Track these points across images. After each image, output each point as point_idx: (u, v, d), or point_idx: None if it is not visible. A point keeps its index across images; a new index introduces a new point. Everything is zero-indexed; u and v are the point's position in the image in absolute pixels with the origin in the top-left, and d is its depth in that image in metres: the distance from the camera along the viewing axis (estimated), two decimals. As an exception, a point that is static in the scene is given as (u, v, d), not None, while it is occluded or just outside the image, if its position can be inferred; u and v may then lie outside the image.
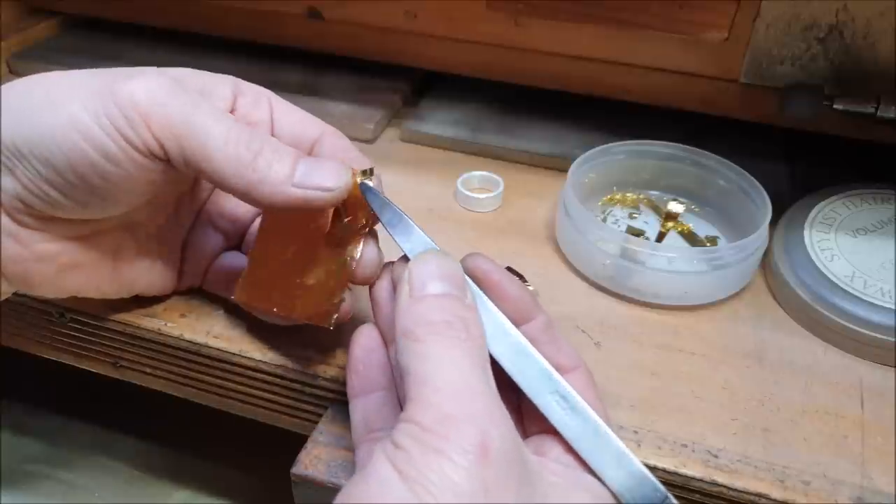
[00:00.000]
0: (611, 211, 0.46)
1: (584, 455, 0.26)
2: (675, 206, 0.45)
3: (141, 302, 0.37)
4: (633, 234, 0.42)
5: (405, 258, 0.30)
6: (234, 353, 0.36)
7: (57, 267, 0.31)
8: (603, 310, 0.40)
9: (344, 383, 0.32)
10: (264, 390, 0.37)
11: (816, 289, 0.38)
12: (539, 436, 0.28)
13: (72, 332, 0.40)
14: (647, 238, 0.43)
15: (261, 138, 0.29)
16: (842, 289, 0.37)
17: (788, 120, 0.47)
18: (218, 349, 0.36)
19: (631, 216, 0.46)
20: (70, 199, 0.28)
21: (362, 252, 0.31)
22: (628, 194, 0.47)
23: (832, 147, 0.50)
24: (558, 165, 0.50)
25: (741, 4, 0.43)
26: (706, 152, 0.45)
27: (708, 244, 0.43)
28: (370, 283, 0.31)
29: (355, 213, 0.31)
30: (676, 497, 0.32)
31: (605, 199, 0.47)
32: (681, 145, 0.46)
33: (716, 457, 0.32)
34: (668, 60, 0.48)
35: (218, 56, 0.60)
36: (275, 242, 0.33)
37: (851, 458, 0.32)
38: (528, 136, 0.53)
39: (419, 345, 0.24)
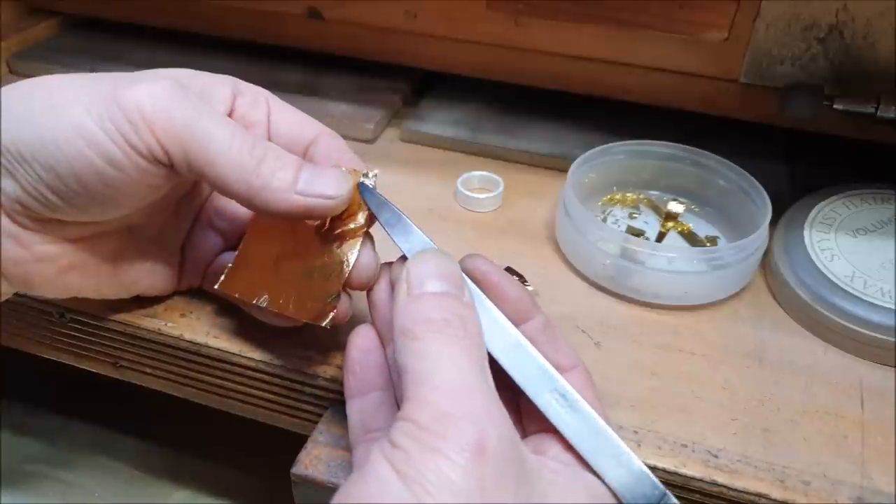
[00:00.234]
0: (611, 211, 0.46)
1: (583, 453, 0.26)
2: (675, 206, 0.45)
3: (141, 302, 0.37)
4: (633, 234, 0.42)
5: (403, 258, 0.30)
6: (234, 353, 0.36)
7: (57, 268, 0.31)
8: (603, 310, 0.40)
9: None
10: (264, 390, 0.37)
11: (816, 289, 0.38)
12: (538, 434, 0.28)
13: (72, 332, 0.40)
14: (647, 238, 0.43)
15: (264, 145, 0.29)
16: (842, 289, 0.37)
17: (788, 120, 0.47)
18: (218, 349, 0.36)
19: (631, 216, 0.46)
20: (71, 203, 0.28)
21: (358, 256, 0.30)
22: (628, 194, 0.47)
23: (832, 147, 0.50)
24: (558, 165, 0.50)
25: (741, 4, 0.43)
26: (706, 152, 0.45)
27: (708, 244, 0.43)
28: (367, 288, 0.31)
29: (352, 211, 0.31)
30: (676, 497, 0.32)
31: (605, 199, 0.47)
32: (681, 145, 0.46)
33: (716, 457, 0.32)
34: (668, 60, 0.48)
35: (218, 56, 0.60)
36: (267, 238, 0.33)
37: (851, 458, 0.32)
38: (528, 136, 0.53)
39: (417, 343, 0.24)
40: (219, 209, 0.37)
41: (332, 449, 0.34)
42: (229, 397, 0.39)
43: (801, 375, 0.36)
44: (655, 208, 0.46)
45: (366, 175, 0.31)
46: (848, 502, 0.30)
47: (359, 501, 0.22)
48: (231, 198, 0.29)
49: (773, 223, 0.41)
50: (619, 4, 0.45)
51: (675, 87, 0.49)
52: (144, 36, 0.62)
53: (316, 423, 0.36)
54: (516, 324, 0.28)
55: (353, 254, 0.30)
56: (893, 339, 0.36)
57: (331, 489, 0.32)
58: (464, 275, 0.28)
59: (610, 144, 0.45)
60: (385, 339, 0.31)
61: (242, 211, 0.37)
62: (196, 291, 0.39)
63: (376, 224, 0.31)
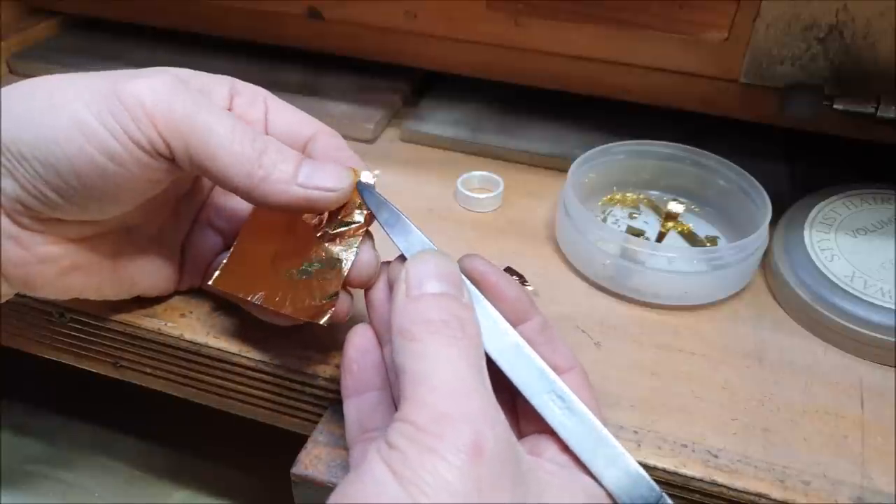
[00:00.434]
0: (611, 211, 0.46)
1: (579, 454, 0.26)
2: (675, 206, 0.45)
3: (141, 302, 0.37)
4: (633, 234, 0.42)
5: (401, 258, 0.30)
6: (234, 353, 0.36)
7: (58, 269, 0.31)
8: (603, 310, 0.40)
9: (344, 383, 0.32)
10: (264, 390, 0.37)
11: (816, 289, 0.38)
12: (534, 435, 0.28)
13: (72, 332, 0.40)
14: (647, 238, 0.43)
15: (265, 138, 0.29)
16: (842, 289, 0.37)
17: (788, 120, 0.47)
18: (218, 349, 0.36)
19: (631, 216, 0.46)
20: (71, 201, 0.28)
21: (359, 254, 0.30)
22: (628, 194, 0.47)
23: (832, 147, 0.50)
24: (558, 165, 0.50)
25: (741, 4, 0.43)
26: (706, 152, 0.45)
27: (708, 244, 0.43)
28: (366, 287, 0.31)
29: (350, 210, 0.31)
30: (677, 497, 0.32)
31: (605, 199, 0.47)
32: (681, 145, 0.46)
33: (716, 457, 0.32)
34: (668, 60, 0.48)
35: (218, 56, 0.60)
36: (264, 235, 0.33)
37: (851, 458, 0.32)
38: (528, 136, 0.53)
39: (415, 344, 0.24)
40: (218, 208, 0.37)
41: (332, 449, 0.34)
42: (229, 397, 0.39)
43: (801, 375, 0.36)
44: (655, 208, 0.46)
45: (374, 174, 0.31)
46: (848, 502, 0.30)
47: (354, 502, 0.22)
48: (231, 190, 0.29)
49: (773, 223, 0.41)
50: (619, 4, 0.45)
51: (675, 87, 0.49)
52: (144, 36, 0.62)
53: (316, 423, 0.36)
54: (514, 324, 0.28)
55: (351, 252, 0.30)
56: (893, 339, 0.36)
57: (331, 489, 0.32)
58: (462, 275, 0.28)
59: (610, 144, 0.45)
60: (383, 338, 0.31)
61: (242, 210, 0.37)
62: (196, 291, 0.39)
63: (376, 223, 0.31)
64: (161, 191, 0.32)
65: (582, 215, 0.40)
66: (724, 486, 0.31)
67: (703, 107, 0.49)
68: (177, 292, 0.38)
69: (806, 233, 0.41)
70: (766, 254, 0.41)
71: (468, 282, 0.28)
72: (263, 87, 0.34)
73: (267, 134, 0.33)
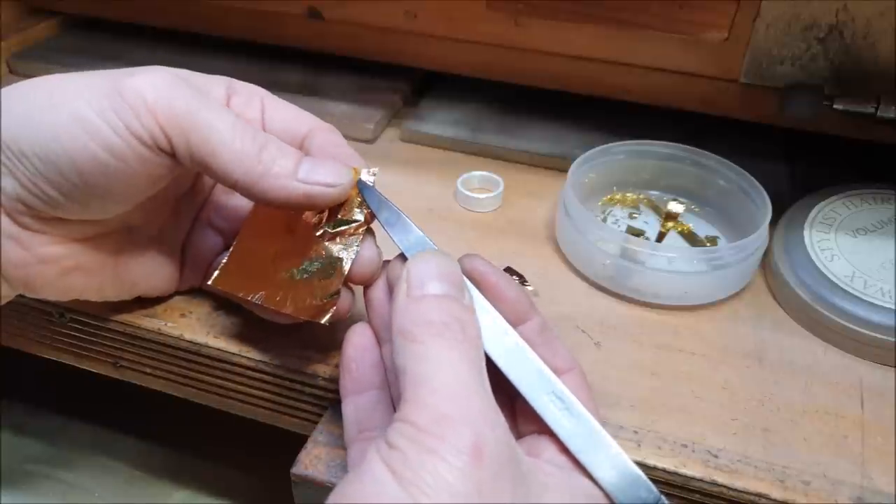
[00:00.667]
0: (611, 211, 0.46)
1: (578, 457, 0.26)
2: (675, 206, 0.45)
3: (141, 302, 0.37)
4: (633, 234, 0.42)
5: (401, 257, 0.30)
6: (234, 353, 0.36)
7: (59, 269, 0.31)
8: (603, 310, 0.40)
9: (344, 383, 0.32)
10: (264, 390, 0.37)
11: (816, 289, 0.38)
12: (533, 436, 0.28)
13: (72, 332, 0.40)
14: (647, 238, 0.43)
15: (264, 135, 0.29)
16: (842, 289, 0.37)
17: (788, 120, 0.47)
18: (218, 349, 0.36)
19: (631, 216, 0.46)
20: (71, 198, 0.28)
21: (361, 251, 0.30)
22: (628, 194, 0.47)
23: (832, 147, 0.50)
24: (558, 165, 0.50)
25: (741, 4, 0.43)
26: (706, 152, 0.45)
27: (708, 244, 0.43)
28: (368, 284, 0.31)
29: (350, 208, 0.31)
30: (677, 497, 0.32)
31: (605, 199, 0.47)
32: (681, 145, 0.46)
33: (716, 457, 0.32)
34: (668, 60, 0.48)
35: (218, 56, 0.60)
36: (264, 235, 0.33)
37: (851, 458, 0.32)
38: (528, 136, 0.53)
39: (417, 345, 0.24)
40: (219, 208, 0.37)
41: (332, 449, 0.34)
42: (229, 397, 0.39)
43: (801, 375, 0.36)
44: (655, 208, 0.46)
45: (371, 173, 0.31)
46: (848, 502, 0.30)
47: (354, 502, 0.22)
48: (231, 186, 0.29)
49: (773, 223, 0.41)
50: (619, 4, 0.45)
51: (675, 87, 0.49)
52: (144, 36, 0.62)
53: (316, 423, 0.36)
54: (513, 325, 0.28)
55: (352, 251, 0.30)
56: (893, 339, 0.36)
57: (331, 489, 0.32)
58: (463, 276, 0.28)
59: (610, 144, 0.45)
60: (382, 337, 0.31)
61: (243, 210, 0.37)
62: (196, 291, 0.39)
63: (377, 222, 0.31)
64: (161, 190, 0.32)
65: (582, 215, 0.40)
66: (724, 486, 0.31)
67: (703, 107, 0.49)
68: (177, 292, 0.38)
69: (806, 233, 0.41)
70: (766, 254, 0.41)
71: (468, 282, 0.28)
72: (263, 87, 0.34)
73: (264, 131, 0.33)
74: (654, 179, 0.47)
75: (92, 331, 0.39)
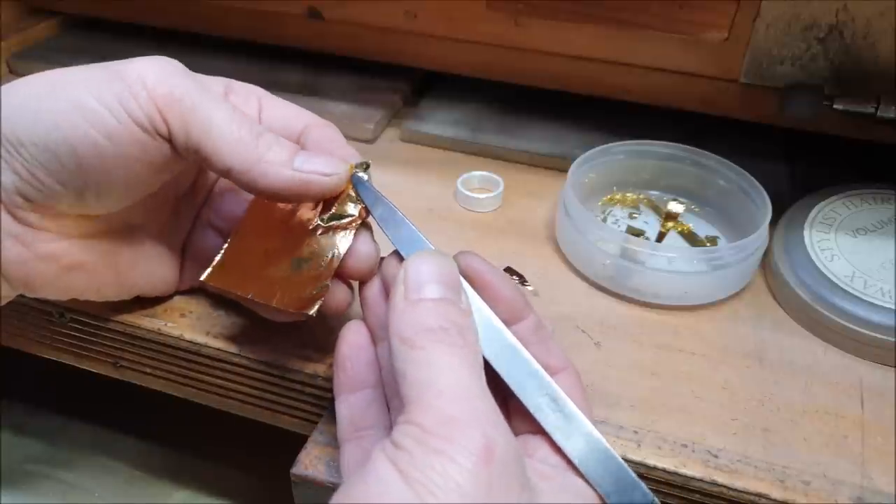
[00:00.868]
0: (611, 211, 0.46)
1: (572, 458, 0.26)
2: (675, 206, 0.45)
3: (141, 302, 0.37)
4: (633, 234, 0.42)
5: (396, 254, 0.30)
6: (234, 353, 0.36)
7: (58, 267, 0.31)
8: (603, 310, 0.40)
9: (344, 383, 0.32)
10: (264, 390, 0.37)
11: (816, 289, 0.38)
12: (526, 436, 0.28)
13: (72, 332, 0.40)
14: (647, 238, 0.43)
15: (261, 126, 0.29)
16: (842, 289, 0.37)
17: (788, 120, 0.47)
18: (218, 349, 0.36)
19: (631, 216, 0.46)
20: (67, 186, 0.28)
21: (357, 246, 0.30)
22: (628, 194, 0.47)
23: (832, 147, 0.50)
24: (558, 165, 0.50)
25: (741, 4, 0.43)
26: (706, 152, 0.45)
27: (708, 244, 0.43)
28: (365, 279, 0.31)
29: (343, 203, 0.31)
30: (676, 497, 0.32)
31: (605, 199, 0.47)
32: (681, 145, 0.46)
33: (716, 457, 0.32)
34: (668, 60, 0.48)
35: (218, 56, 0.60)
36: (259, 232, 0.33)
37: (851, 458, 0.32)
38: (528, 136, 0.53)
39: (417, 352, 0.24)
40: (218, 209, 0.37)
41: (332, 449, 0.34)
42: (229, 397, 0.39)
43: (801, 375, 0.36)
44: (655, 208, 0.46)
45: (361, 166, 0.31)
46: (848, 502, 0.30)
47: (359, 502, 0.22)
48: (225, 173, 0.29)
49: (773, 223, 0.41)
50: (619, 4, 0.45)
51: (675, 87, 0.49)
52: (144, 36, 0.62)
53: (316, 423, 0.35)
54: (509, 324, 0.28)
55: (344, 244, 0.30)
56: (893, 339, 0.36)
57: (331, 489, 0.32)
58: (460, 277, 0.28)
59: (610, 144, 0.45)
60: (377, 336, 0.31)
61: (242, 210, 0.37)
62: (196, 291, 0.39)
63: (372, 219, 0.31)
64: (161, 189, 0.32)
65: (582, 215, 0.40)
66: (724, 486, 0.31)
67: (703, 107, 0.49)
68: (177, 292, 0.38)
69: (806, 233, 0.41)
70: (766, 254, 0.41)
71: (464, 282, 0.28)
72: (263, 87, 0.34)
73: None
74: (654, 179, 0.47)
75: (92, 331, 0.39)
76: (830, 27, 0.42)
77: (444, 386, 0.23)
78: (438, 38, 0.52)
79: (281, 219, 0.32)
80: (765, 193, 0.41)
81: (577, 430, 0.27)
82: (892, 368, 0.37)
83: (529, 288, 0.40)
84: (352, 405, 0.30)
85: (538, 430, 0.27)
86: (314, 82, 0.57)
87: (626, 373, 0.36)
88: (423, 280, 0.26)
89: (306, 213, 0.32)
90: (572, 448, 0.26)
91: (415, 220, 0.30)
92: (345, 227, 0.31)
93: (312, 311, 0.30)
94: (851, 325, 0.37)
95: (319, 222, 0.31)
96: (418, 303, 0.25)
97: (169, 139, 0.28)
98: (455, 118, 0.55)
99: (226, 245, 0.33)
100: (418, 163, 0.51)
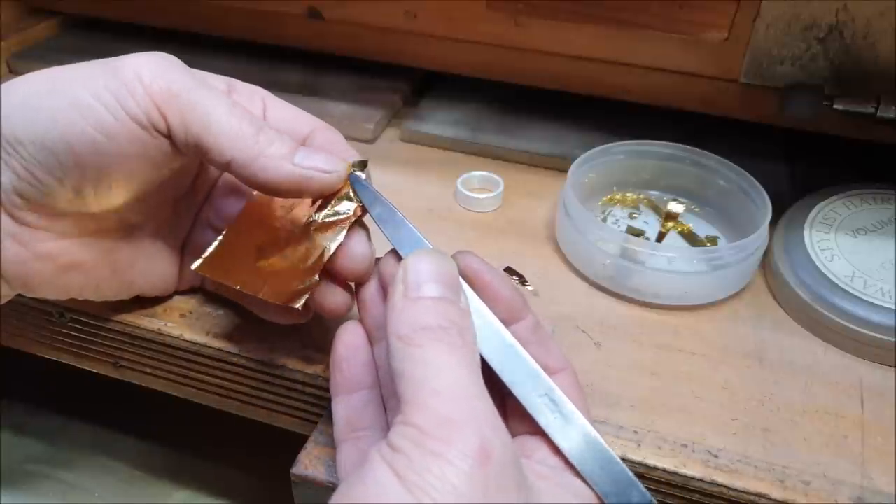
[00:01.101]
0: (611, 211, 0.46)
1: (571, 458, 0.26)
2: (675, 206, 0.45)
3: (141, 302, 0.37)
4: (633, 234, 0.42)
5: (394, 254, 0.30)
6: (234, 354, 0.36)
7: (57, 267, 0.31)
8: (603, 310, 0.40)
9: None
10: (264, 390, 0.37)
11: (816, 289, 0.38)
12: (523, 437, 0.28)
13: (72, 332, 0.40)
14: (647, 238, 0.43)
15: (261, 119, 0.29)
16: (842, 289, 0.37)
17: (788, 120, 0.47)
18: (218, 349, 0.36)
19: (631, 216, 0.46)
20: (64, 183, 0.28)
21: (353, 246, 0.30)
22: (628, 194, 0.47)
23: (832, 147, 0.50)
24: (558, 165, 0.50)
25: (741, 4, 0.43)
26: (706, 152, 0.45)
27: (708, 244, 0.43)
28: (360, 280, 0.31)
29: (339, 200, 0.31)
30: (676, 497, 0.32)
31: (605, 199, 0.47)
32: (681, 145, 0.46)
33: (716, 457, 0.32)
34: (668, 60, 0.48)
35: (218, 56, 0.60)
36: (255, 227, 0.33)
37: (851, 458, 0.32)
38: (528, 136, 0.53)
39: (415, 350, 0.24)
40: (218, 209, 0.37)
41: (332, 449, 0.34)
42: (229, 397, 0.39)
43: (801, 375, 0.36)
44: (655, 208, 0.46)
45: (358, 165, 0.31)
46: (848, 502, 0.30)
47: (357, 503, 0.22)
48: (225, 166, 0.29)
49: (773, 223, 0.41)
50: (619, 4, 0.45)
51: (675, 87, 0.49)
52: (144, 36, 0.62)
53: (316, 423, 0.35)
54: (507, 324, 0.28)
55: (336, 240, 0.30)
56: (893, 339, 0.36)
57: (331, 489, 0.32)
58: (459, 276, 0.28)
59: (610, 144, 0.45)
60: (374, 336, 0.31)
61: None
62: (196, 291, 0.39)
63: (369, 218, 0.31)
64: (160, 188, 0.32)
65: (582, 215, 0.40)
66: (724, 486, 0.31)
67: (703, 107, 0.49)
68: (177, 292, 0.38)
69: (806, 233, 0.41)
70: (766, 254, 0.41)
71: (463, 281, 0.28)
72: (263, 87, 0.34)
73: None
74: (654, 179, 0.47)
75: (92, 331, 0.39)
76: (830, 27, 0.42)
77: (442, 386, 0.23)
78: (438, 38, 0.52)
79: (277, 214, 0.32)
80: (765, 193, 0.41)
81: (575, 430, 0.27)
82: (892, 368, 0.37)
83: (529, 288, 0.40)
84: (348, 406, 0.30)
85: (536, 430, 0.27)
86: (314, 82, 0.57)
87: (626, 373, 0.36)
88: (422, 279, 0.26)
89: (302, 209, 0.32)
90: (571, 448, 0.26)
91: (415, 220, 0.30)
92: (338, 224, 0.31)
93: (298, 305, 0.30)
94: (851, 325, 0.37)
95: (314, 218, 0.31)
96: (417, 301, 0.25)
97: (168, 135, 0.28)
98: (455, 118, 0.55)
99: (220, 237, 0.33)
100: (418, 163, 0.51)
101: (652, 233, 0.44)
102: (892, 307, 0.36)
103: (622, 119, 0.53)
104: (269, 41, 0.58)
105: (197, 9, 0.57)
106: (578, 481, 0.26)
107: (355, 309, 0.32)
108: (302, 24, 0.55)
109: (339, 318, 0.32)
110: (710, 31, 0.45)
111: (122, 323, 0.38)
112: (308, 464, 0.33)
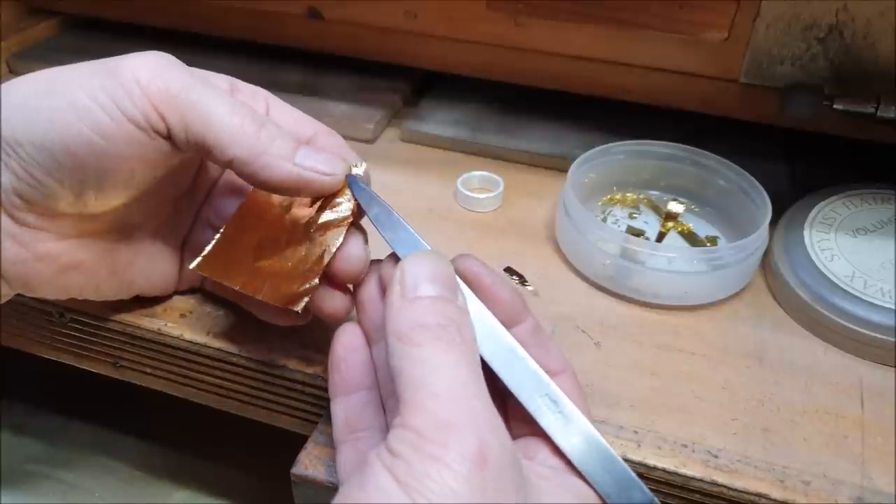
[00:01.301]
0: (611, 211, 0.46)
1: (573, 459, 0.26)
2: (675, 206, 0.45)
3: (141, 302, 0.37)
4: (633, 234, 0.42)
5: (393, 256, 0.30)
6: (234, 353, 0.36)
7: (57, 267, 0.31)
8: (603, 310, 0.40)
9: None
10: (264, 390, 0.37)
11: (816, 289, 0.38)
12: (525, 438, 0.28)
13: (72, 332, 0.40)
14: (647, 238, 0.43)
15: (263, 116, 0.29)
16: (842, 289, 0.37)
17: (788, 120, 0.47)
18: (218, 349, 0.36)
19: (631, 216, 0.46)
20: (64, 184, 0.28)
21: (349, 248, 0.30)
22: (628, 194, 0.47)
23: (832, 147, 0.50)
24: (558, 165, 0.50)
25: (741, 4, 0.43)
26: (706, 152, 0.45)
27: (708, 244, 0.43)
28: (355, 282, 0.31)
29: (337, 202, 0.31)
30: (676, 497, 0.32)
31: (605, 199, 0.47)
32: (681, 145, 0.46)
33: (716, 457, 0.32)
34: (668, 60, 0.48)
35: (218, 56, 0.60)
36: (253, 225, 0.33)
37: (851, 458, 0.32)
38: (528, 136, 0.53)
39: (414, 349, 0.24)
40: (218, 209, 0.37)
41: (332, 449, 0.34)
42: (229, 397, 0.39)
43: (801, 375, 0.36)
44: (655, 208, 0.46)
45: (357, 166, 0.31)
46: (848, 502, 0.30)
47: None
48: (226, 164, 0.29)
49: (773, 223, 0.41)
50: (619, 4, 0.45)
51: (675, 87, 0.49)
52: (144, 36, 0.62)
53: (316, 423, 0.36)
54: (507, 326, 0.28)
55: (335, 242, 0.30)
56: (893, 339, 0.36)
57: (331, 489, 0.32)
58: (457, 277, 0.28)
59: (610, 144, 0.45)
60: (372, 338, 0.31)
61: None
62: (196, 291, 0.39)
63: (367, 220, 0.31)
64: (160, 188, 0.32)
65: (582, 215, 0.40)
66: (724, 486, 0.31)
67: (703, 107, 0.49)
68: (177, 292, 0.38)
69: (806, 233, 0.41)
70: (766, 254, 0.41)
71: (462, 283, 0.28)
72: (263, 87, 0.34)
73: None
74: (654, 179, 0.47)
75: (92, 331, 0.39)
76: (830, 27, 0.42)
77: (440, 387, 0.23)
78: (438, 38, 0.52)
79: (275, 214, 0.32)
80: (765, 193, 0.41)
81: (576, 430, 0.27)
82: (892, 368, 0.37)
83: (529, 288, 0.40)
84: (347, 407, 0.30)
85: (538, 432, 0.27)
86: (314, 82, 0.57)
87: (626, 373, 0.36)
88: (419, 279, 0.26)
89: (301, 209, 0.32)
90: (572, 448, 0.26)
91: (415, 221, 0.30)
92: (337, 226, 0.31)
93: (298, 308, 0.30)
94: (851, 325, 0.37)
95: (313, 220, 0.31)
96: (415, 300, 0.25)
97: (167, 135, 0.28)
98: (455, 118, 0.55)
99: (218, 235, 0.33)
100: (418, 163, 0.51)
101: (652, 233, 0.44)
102: (892, 307, 0.36)
103: (622, 119, 0.53)
104: (269, 41, 0.58)
105: (197, 9, 0.57)
106: (580, 482, 0.26)
107: (354, 310, 0.32)
108: (302, 24, 0.55)
109: (338, 322, 0.32)
110: (710, 31, 0.45)
111: (122, 323, 0.38)
112: (308, 464, 0.33)
